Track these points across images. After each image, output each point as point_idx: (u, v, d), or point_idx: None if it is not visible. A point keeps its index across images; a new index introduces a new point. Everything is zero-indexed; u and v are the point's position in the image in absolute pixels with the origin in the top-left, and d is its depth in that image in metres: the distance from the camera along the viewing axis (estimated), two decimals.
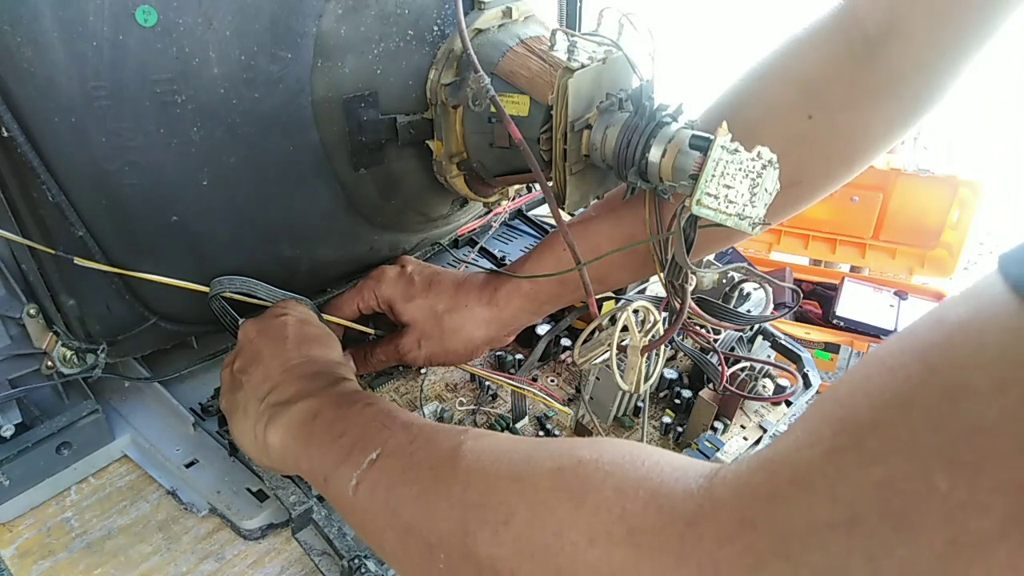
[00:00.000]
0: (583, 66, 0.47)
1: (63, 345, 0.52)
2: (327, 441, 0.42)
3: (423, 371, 0.66)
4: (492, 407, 0.64)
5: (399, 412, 0.43)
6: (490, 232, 0.82)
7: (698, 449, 0.56)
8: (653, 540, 0.26)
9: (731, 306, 0.59)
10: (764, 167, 0.40)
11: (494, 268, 0.67)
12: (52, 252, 0.48)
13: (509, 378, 0.61)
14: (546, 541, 0.29)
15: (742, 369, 0.61)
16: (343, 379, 0.48)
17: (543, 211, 0.88)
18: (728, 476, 0.26)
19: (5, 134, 0.42)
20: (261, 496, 0.53)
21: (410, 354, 0.59)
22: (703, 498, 0.26)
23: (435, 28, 0.56)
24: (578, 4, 0.74)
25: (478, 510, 0.33)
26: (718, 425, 0.59)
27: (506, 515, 0.31)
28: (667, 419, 0.62)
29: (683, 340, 0.65)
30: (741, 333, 0.66)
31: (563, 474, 0.31)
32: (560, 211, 0.51)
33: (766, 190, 0.40)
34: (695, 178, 0.40)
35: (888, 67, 0.48)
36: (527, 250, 0.83)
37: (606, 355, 0.49)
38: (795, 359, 0.68)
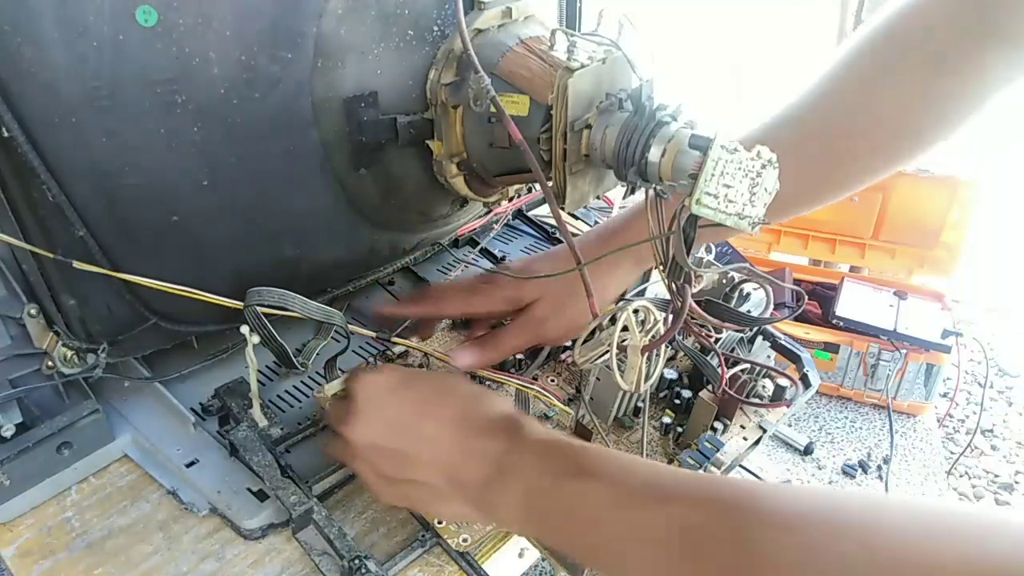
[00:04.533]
0: (583, 66, 0.47)
1: (64, 345, 0.52)
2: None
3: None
4: None
5: (635, 468, 0.41)
6: (491, 232, 0.82)
7: (698, 449, 0.56)
8: None
9: (731, 306, 0.59)
10: (764, 167, 0.40)
11: (494, 268, 0.67)
12: (52, 256, 0.48)
13: (511, 376, 0.61)
14: None
15: (742, 371, 0.61)
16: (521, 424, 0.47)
17: (543, 211, 0.88)
18: None
19: (5, 134, 0.42)
20: (261, 496, 0.53)
21: (545, 323, 0.62)
22: None
23: (435, 28, 0.56)
24: (578, 4, 0.74)
25: None
26: (718, 425, 0.59)
27: None
28: (667, 419, 0.62)
29: (684, 340, 0.65)
30: (741, 333, 0.66)
31: None
32: (560, 211, 0.51)
33: (765, 189, 0.40)
34: (695, 177, 0.40)
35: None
36: (527, 250, 0.83)
37: (606, 355, 0.49)
38: (794, 359, 0.68)
